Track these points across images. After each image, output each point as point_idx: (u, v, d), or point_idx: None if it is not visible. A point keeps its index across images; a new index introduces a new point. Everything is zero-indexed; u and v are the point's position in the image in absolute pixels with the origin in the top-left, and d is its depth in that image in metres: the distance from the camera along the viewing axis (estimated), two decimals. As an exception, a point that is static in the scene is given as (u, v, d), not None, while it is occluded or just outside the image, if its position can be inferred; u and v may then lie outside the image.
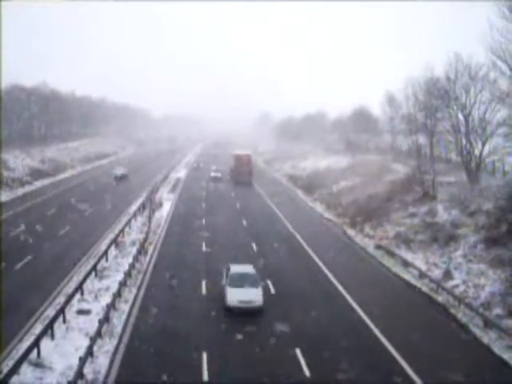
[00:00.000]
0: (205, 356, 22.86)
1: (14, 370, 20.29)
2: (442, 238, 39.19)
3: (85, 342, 23.37)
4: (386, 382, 21.65)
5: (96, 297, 30.39)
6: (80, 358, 21.13)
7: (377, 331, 26.26)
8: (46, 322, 25.04)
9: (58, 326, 25.56)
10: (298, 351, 23.59)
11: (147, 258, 38.81)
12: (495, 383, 21.78)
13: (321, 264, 38.41)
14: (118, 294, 29.61)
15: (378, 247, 42.77)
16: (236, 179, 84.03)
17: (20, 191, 68.28)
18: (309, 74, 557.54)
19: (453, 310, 29.16)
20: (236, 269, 29.73)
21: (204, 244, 42.93)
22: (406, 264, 37.62)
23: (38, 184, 75.91)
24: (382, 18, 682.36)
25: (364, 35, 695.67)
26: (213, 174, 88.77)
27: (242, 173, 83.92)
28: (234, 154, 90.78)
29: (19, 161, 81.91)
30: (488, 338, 25.60)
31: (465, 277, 32.71)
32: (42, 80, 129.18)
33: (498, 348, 24.51)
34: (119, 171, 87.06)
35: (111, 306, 27.70)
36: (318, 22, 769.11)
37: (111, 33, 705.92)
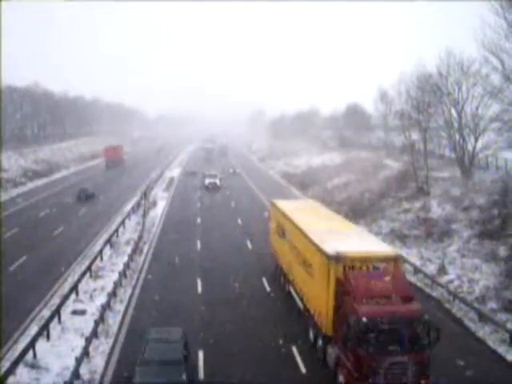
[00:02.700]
0: (201, 354, 22.89)
1: (11, 371, 20.25)
2: (436, 233, 39.35)
3: (80, 343, 23.36)
4: None
5: (91, 297, 30.35)
6: (76, 359, 21.11)
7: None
8: (42, 322, 25.03)
9: (54, 327, 25.53)
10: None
11: (142, 257, 38.82)
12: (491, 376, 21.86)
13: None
14: (113, 294, 29.60)
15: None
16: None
17: (14, 192, 68.10)
18: (302, 73, 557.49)
19: (447, 305, 29.32)
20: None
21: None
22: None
23: (31, 185, 75.72)
24: (374, 16, 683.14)
25: (356, 33, 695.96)
26: None
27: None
28: (336, 256, 21.29)
29: (12, 161, 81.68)
30: (483, 331, 25.76)
31: (459, 271, 32.86)
32: (34, 80, 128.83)
33: (492, 342, 24.68)
34: None
35: (106, 306, 27.68)
36: (311, 20, 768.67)
37: (105, 32, 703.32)
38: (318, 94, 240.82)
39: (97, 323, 25.12)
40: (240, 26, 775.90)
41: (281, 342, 24.13)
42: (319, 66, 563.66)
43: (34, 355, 22.45)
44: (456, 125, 49.17)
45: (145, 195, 61.15)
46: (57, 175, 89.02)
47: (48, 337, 24.42)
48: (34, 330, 24.72)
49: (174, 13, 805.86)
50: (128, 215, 51.84)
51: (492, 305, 28.05)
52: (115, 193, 69.67)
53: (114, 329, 25.92)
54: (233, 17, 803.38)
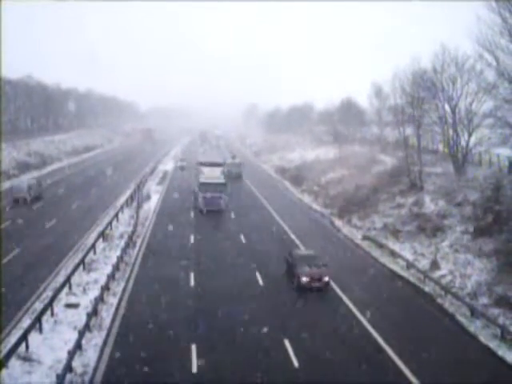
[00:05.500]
0: (194, 347, 22.93)
1: (3, 363, 20.19)
2: (429, 228, 39.50)
3: (73, 336, 23.30)
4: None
5: (84, 290, 30.28)
6: (69, 352, 21.08)
7: (366, 323, 26.48)
8: (35, 315, 24.95)
9: (47, 320, 25.48)
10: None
11: (135, 251, 38.75)
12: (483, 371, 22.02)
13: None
14: (106, 287, 29.55)
15: (366, 238, 42.96)
16: None
17: (7, 184, 67.71)
18: (297, 68, 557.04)
19: (440, 300, 29.47)
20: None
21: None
22: (393, 255, 37.86)
23: (24, 177, 75.21)
24: (369, 11, 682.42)
25: (351, 28, 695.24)
26: None
27: None
28: None
29: (5, 154, 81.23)
30: (474, 326, 25.91)
31: (452, 267, 33.02)
32: (28, 72, 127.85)
33: (483, 337, 24.82)
34: None
35: (99, 299, 27.64)
36: (306, 15, 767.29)
37: (100, 25, 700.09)
38: (313, 88, 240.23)
39: (90, 316, 25.09)
40: (235, 21, 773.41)
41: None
42: (314, 60, 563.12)
43: (27, 348, 22.39)
44: (450, 120, 49.27)
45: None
46: (50, 168, 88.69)
47: (41, 330, 24.35)
48: (26, 322, 24.65)
49: (171, 11, 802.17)
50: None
51: (484, 300, 28.22)
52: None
53: (107, 322, 25.90)
54: (228, 11, 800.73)
